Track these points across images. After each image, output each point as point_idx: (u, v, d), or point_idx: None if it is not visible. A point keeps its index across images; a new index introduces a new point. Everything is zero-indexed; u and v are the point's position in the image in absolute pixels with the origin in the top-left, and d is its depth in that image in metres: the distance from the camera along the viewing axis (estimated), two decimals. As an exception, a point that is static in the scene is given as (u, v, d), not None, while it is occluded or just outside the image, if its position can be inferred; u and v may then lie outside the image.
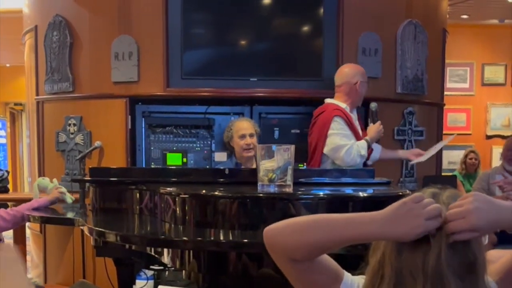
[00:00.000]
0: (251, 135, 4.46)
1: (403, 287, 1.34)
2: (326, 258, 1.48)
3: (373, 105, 4.48)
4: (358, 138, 4.32)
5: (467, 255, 1.34)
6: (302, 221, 1.44)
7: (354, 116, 4.48)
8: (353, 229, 1.36)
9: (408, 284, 1.33)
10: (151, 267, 3.99)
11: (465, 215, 1.30)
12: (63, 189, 4.17)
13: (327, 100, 4.48)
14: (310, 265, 1.44)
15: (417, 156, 4.60)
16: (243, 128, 4.49)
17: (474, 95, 9.41)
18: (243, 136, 4.46)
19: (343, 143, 4.18)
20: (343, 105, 4.40)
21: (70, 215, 3.83)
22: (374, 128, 4.38)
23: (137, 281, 4.15)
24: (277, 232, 1.45)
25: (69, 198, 4.16)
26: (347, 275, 1.51)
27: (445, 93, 6.12)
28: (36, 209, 4.08)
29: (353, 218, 1.38)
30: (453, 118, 9.23)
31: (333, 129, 4.27)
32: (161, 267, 3.89)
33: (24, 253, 5.29)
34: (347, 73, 4.45)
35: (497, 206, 1.32)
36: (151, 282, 4.48)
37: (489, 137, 9.40)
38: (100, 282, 4.71)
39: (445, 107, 5.99)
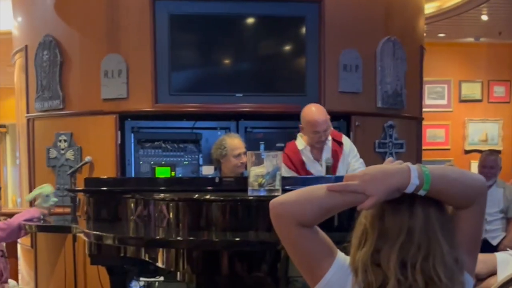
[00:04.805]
0: (245, 154, 4.53)
1: (385, 239, 1.53)
2: (323, 233, 1.65)
3: (327, 160, 4.35)
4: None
5: (445, 213, 1.57)
6: (309, 190, 1.61)
7: (311, 157, 4.44)
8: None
9: (391, 236, 1.53)
10: (141, 278, 4.11)
11: (355, 179, 1.52)
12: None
13: (299, 134, 4.54)
14: (312, 233, 1.61)
15: None
16: (238, 147, 4.58)
17: (452, 111, 9.64)
18: (239, 155, 4.56)
19: None
20: (302, 145, 4.46)
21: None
22: None
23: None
24: (287, 200, 1.61)
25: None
26: (340, 253, 1.67)
27: (424, 109, 6.33)
28: (28, 220, 4.22)
29: None
30: (432, 134, 9.44)
31: None
32: (152, 278, 4.01)
33: (16, 269, 5.38)
34: (301, 113, 4.46)
35: (385, 172, 1.52)
36: (142, 293, 4.57)
37: (467, 152, 9.61)
38: (92, 294, 4.81)
39: (424, 123, 6.20)
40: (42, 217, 4.37)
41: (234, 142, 4.63)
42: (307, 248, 1.63)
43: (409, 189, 1.50)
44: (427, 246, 1.50)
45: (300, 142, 4.49)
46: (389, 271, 1.51)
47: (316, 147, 4.42)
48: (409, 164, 1.54)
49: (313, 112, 4.35)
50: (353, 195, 1.52)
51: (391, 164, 1.58)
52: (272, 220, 1.62)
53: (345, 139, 4.60)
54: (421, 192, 1.51)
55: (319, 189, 1.57)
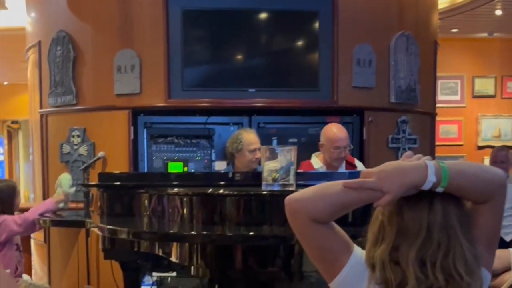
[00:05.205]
0: (259, 149, 4.56)
1: (404, 236, 1.52)
2: (340, 228, 1.64)
3: None
4: None
5: (464, 208, 1.54)
6: (325, 186, 1.59)
7: None
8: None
9: (410, 234, 1.51)
10: (154, 274, 4.12)
11: (371, 176, 1.50)
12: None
13: (314, 154, 4.58)
14: (328, 229, 1.61)
15: None
16: (254, 142, 4.58)
17: (465, 107, 9.58)
18: (254, 151, 4.56)
19: None
20: (318, 164, 4.49)
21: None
22: None
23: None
24: (303, 196, 1.60)
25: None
26: (357, 248, 1.66)
27: (437, 105, 6.30)
28: (42, 214, 4.25)
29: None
30: (445, 130, 9.39)
31: None
32: (164, 273, 4.02)
33: (29, 264, 5.40)
34: (321, 132, 4.52)
35: (402, 169, 1.50)
36: (154, 289, 4.59)
37: (480, 148, 9.56)
38: (105, 289, 4.83)
39: (437, 118, 6.17)
40: (61, 206, 4.41)
41: (250, 137, 4.63)
42: (323, 244, 1.62)
43: (426, 186, 1.48)
44: (447, 243, 1.49)
45: (316, 161, 4.53)
46: (408, 269, 1.49)
47: (333, 166, 4.44)
48: (426, 160, 1.51)
49: (334, 129, 4.46)
50: (369, 192, 1.50)
51: (408, 161, 1.54)
52: (287, 217, 1.61)
53: (357, 162, 4.68)
54: (439, 189, 1.48)
55: (335, 185, 1.55)
